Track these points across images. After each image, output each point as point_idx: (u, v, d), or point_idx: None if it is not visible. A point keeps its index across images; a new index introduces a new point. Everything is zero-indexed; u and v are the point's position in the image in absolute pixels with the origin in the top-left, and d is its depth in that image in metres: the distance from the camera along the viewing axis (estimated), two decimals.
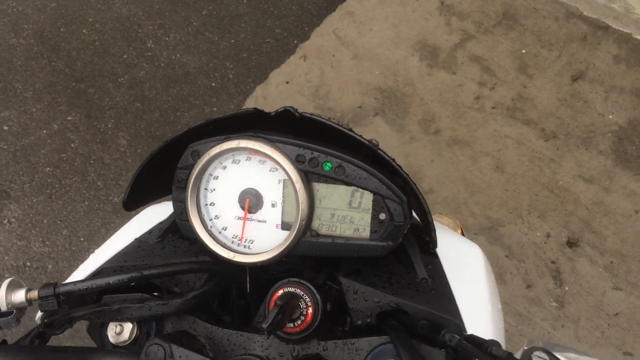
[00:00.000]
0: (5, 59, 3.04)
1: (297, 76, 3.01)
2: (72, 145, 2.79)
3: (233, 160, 0.71)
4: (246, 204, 0.71)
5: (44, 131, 2.79)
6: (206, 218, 0.73)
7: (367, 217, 0.70)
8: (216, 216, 0.73)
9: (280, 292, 0.69)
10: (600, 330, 2.31)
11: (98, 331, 0.73)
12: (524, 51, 3.02)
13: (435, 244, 0.73)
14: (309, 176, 0.69)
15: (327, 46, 3.13)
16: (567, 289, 2.40)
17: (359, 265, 0.77)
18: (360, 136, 0.68)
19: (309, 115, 0.69)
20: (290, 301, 0.66)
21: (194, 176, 0.71)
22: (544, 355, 0.54)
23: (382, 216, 0.69)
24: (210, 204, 0.73)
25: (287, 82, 2.99)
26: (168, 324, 0.74)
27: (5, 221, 2.55)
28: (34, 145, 2.75)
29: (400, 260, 0.78)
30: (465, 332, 0.69)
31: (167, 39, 3.28)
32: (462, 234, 0.94)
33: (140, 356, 0.64)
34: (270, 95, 2.95)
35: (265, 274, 0.78)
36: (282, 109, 0.70)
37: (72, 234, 2.55)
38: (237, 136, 0.68)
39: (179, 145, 0.72)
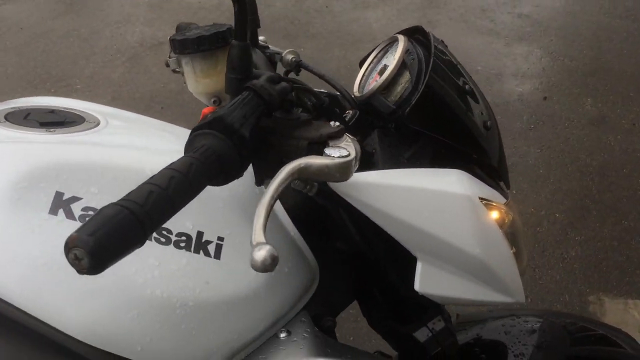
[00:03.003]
0: None
1: None
2: None
3: (397, 47, 1.11)
4: (380, 68, 1.11)
5: None
6: (369, 73, 1.16)
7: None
8: (379, 71, 1.15)
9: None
10: None
11: None
12: None
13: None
14: (405, 62, 1.04)
15: None
16: None
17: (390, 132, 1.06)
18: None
19: (438, 45, 1.03)
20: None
21: (381, 46, 1.15)
22: None
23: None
24: (381, 65, 1.15)
25: None
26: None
27: None
28: None
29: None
30: None
31: None
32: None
33: None
34: None
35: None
36: (439, 42, 1.06)
37: None
38: (402, 36, 1.08)
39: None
